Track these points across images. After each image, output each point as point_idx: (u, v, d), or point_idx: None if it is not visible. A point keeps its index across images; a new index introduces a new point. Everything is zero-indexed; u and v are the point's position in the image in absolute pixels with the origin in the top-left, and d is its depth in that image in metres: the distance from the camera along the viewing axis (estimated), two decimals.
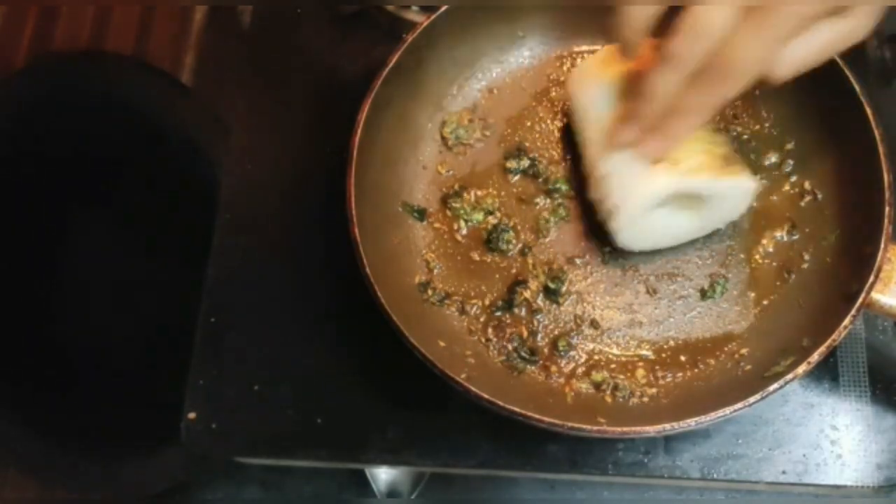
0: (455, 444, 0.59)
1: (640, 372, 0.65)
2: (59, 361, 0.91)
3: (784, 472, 0.65)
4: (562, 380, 0.64)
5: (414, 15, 0.77)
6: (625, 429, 0.57)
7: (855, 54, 0.76)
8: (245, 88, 0.79)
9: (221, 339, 0.70)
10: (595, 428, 0.57)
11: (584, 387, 0.64)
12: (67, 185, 0.93)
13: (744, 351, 0.64)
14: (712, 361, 0.65)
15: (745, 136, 0.70)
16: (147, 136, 0.94)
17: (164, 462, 0.86)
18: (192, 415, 0.68)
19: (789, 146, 0.69)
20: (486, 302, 0.67)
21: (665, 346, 0.65)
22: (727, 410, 0.55)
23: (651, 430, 0.57)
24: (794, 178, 0.68)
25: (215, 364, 0.70)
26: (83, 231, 0.95)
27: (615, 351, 0.65)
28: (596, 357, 0.65)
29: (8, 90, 0.91)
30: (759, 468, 0.65)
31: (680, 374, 0.64)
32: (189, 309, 0.72)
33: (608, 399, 0.64)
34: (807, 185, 0.68)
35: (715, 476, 0.65)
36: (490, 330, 0.66)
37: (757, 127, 0.71)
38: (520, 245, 0.69)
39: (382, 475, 0.74)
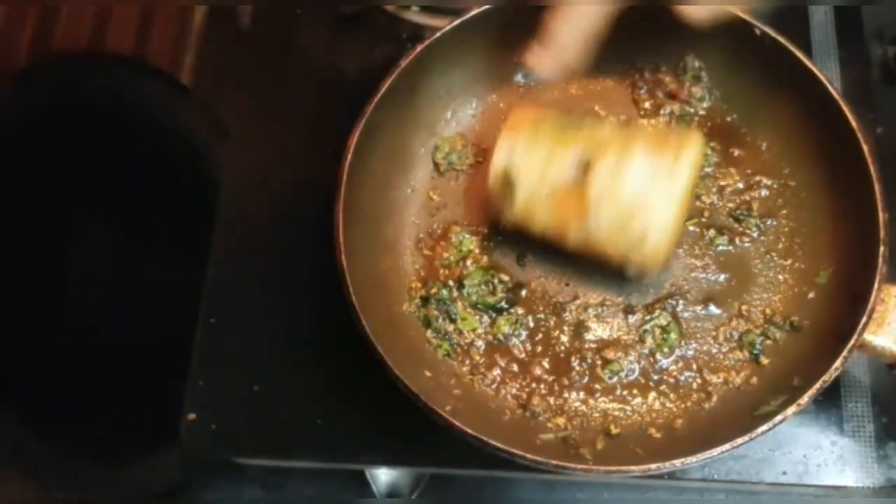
0: (455, 445, 0.59)
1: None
2: (59, 361, 0.91)
3: (785, 473, 0.65)
4: (548, 414, 0.64)
5: (414, 15, 0.77)
6: (610, 468, 0.57)
7: (857, 55, 0.77)
8: (245, 88, 0.79)
9: (221, 339, 0.70)
10: (580, 467, 0.56)
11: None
12: (66, 185, 0.93)
13: (737, 380, 0.64)
14: (703, 396, 0.64)
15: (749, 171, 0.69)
16: (147, 137, 0.94)
17: (164, 462, 0.86)
18: (191, 415, 0.68)
19: (785, 172, 0.68)
20: (476, 332, 0.66)
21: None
22: (714, 452, 0.55)
23: (637, 469, 0.56)
24: (785, 211, 0.68)
25: (215, 364, 0.70)
26: (82, 231, 0.95)
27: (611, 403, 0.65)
28: (591, 401, 0.64)
29: (8, 91, 0.91)
30: (759, 469, 0.65)
31: (670, 406, 0.64)
32: (189, 309, 0.72)
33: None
34: (802, 219, 0.67)
35: (715, 476, 0.65)
36: (479, 363, 0.65)
37: (754, 156, 0.69)
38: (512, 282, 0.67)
39: (382, 476, 0.74)
